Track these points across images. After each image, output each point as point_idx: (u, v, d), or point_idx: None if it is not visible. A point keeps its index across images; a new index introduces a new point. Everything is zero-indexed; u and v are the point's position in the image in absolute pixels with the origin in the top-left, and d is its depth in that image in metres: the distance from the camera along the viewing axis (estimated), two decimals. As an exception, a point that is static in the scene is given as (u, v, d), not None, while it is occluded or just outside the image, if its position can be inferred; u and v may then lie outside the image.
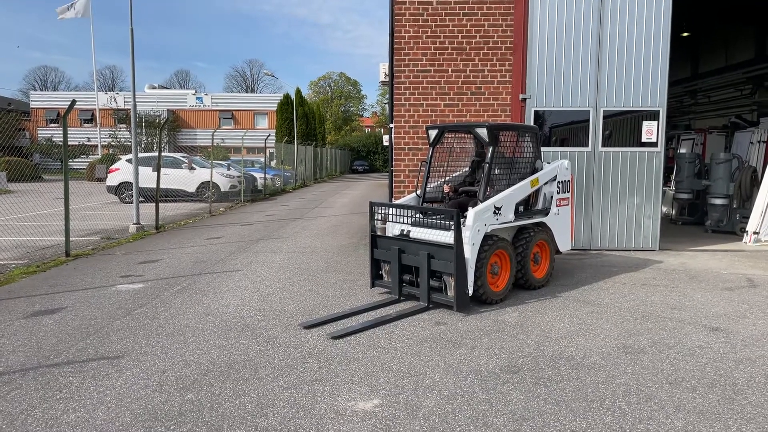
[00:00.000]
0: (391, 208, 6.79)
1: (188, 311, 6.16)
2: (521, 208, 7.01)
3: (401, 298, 6.53)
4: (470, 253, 6.01)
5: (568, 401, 3.97)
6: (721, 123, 20.59)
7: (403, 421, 3.67)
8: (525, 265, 6.82)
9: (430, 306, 6.21)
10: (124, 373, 4.45)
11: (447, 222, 6.13)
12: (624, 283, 7.45)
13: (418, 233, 6.48)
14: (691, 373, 4.46)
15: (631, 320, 5.84)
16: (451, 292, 6.02)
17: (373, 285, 6.90)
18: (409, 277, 6.51)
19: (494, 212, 6.31)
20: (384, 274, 6.86)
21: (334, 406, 3.90)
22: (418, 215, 6.72)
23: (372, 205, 6.85)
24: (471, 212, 6.11)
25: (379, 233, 6.81)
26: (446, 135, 7.41)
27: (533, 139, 7.36)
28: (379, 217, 6.84)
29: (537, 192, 7.31)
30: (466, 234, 6.00)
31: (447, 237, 6.04)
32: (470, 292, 6.04)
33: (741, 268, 8.40)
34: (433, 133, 7.32)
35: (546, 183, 7.30)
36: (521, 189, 6.82)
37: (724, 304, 6.44)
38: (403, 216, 6.64)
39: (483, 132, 6.69)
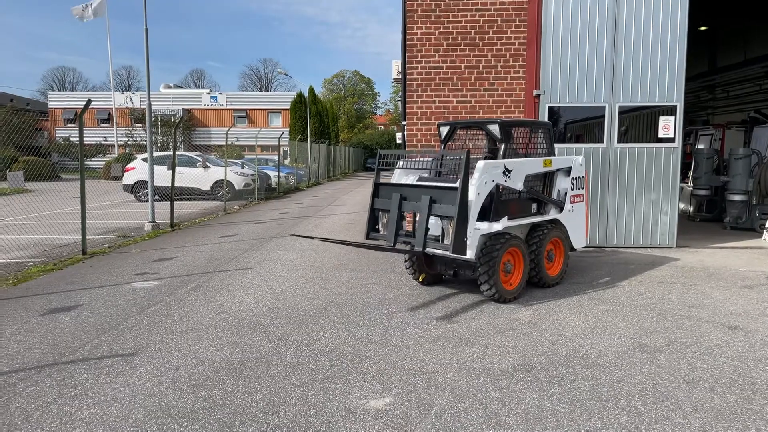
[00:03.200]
0: (400, 159, 6.82)
1: (202, 309, 6.19)
2: (534, 207, 6.95)
3: (395, 246, 6.54)
4: (473, 200, 5.94)
5: (582, 401, 3.91)
6: (739, 118, 20.25)
7: (415, 420, 3.65)
8: (539, 262, 6.75)
9: (426, 251, 6.15)
10: (138, 370, 4.48)
11: (453, 175, 6.20)
12: (640, 281, 7.35)
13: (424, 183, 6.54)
14: (708, 373, 4.38)
15: (648, 318, 5.75)
16: (448, 240, 5.95)
17: (368, 237, 6.88)
18: (407, 231, 6.53)
19: (504, 172, 6.22)
20: (381, 228, 6.80)
21: (346, 404, 3.89)
22: (425, 174, 6.74)
23: (380, 155, 6.89)
24: (481, 162, 6.06)
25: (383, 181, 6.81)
26: (458, 132, 7.35)
27: (546, 134, 7.28)
28: (386, 165, 6.85)
29: (551, 183, 7.21)
30: (472, 181, 5.95)
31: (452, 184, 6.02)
32: (468, 241, 5.95)
33: (760, 265, 8.24)
34: (444, 129, 7.28)
35: (559, 171, 7.20)
36: (533, 163, 6.75)
37: (743, 303, 6.32)
38: (414, 163, 6.67)
39: (495, 128, 6.63)
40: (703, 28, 19.86)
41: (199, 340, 5.17)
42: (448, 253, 5.99)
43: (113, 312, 6.08)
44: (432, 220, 6.18)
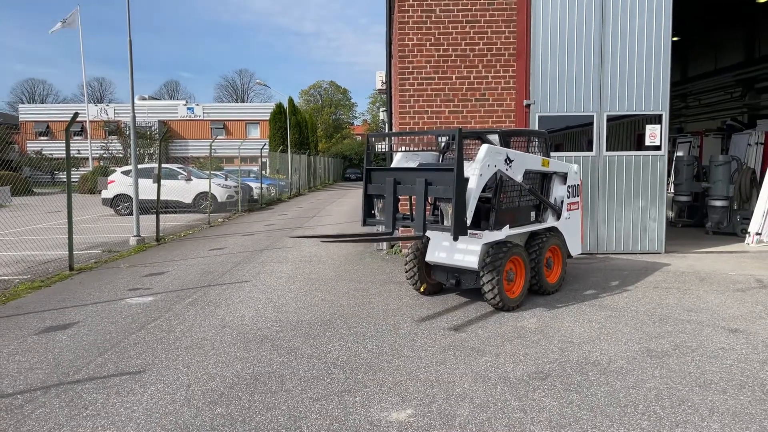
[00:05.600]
0: (388, 140, 6.80)
1: (203, 323, 6.08)
2: (533, 215, 7.02)
3: (394, 233, 6.54)
4: (476, 183, 5.92)
5: (602, 407, 3.95)
6: (712, 126, 20.85)
7: (441, 431, 3.63)
8: (539, 270, 6.82)
9: (425, 235, 6.11)
10: (148, 388, 4.37)
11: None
12: (636, 287, 7.47)
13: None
14: (718, 375, 4.47)
15: (650, 323, 5.84)
16: (447, 222, 5.92)
17: (365, 223, 6.81)
18: (404, 215, 6.54)
19: (506, 160, 6.23)
20: (376, 213, 6.73)
21: (368, 417, 3.85)
22: (424, 161, 6.75)
23: (369, 137, 6.86)
24: (485, 146, 6.07)
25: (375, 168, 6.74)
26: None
27: (543, 144, 7.39)
28: (379, 149, 6.82)
29: (548, 191, 7.29)
30: (475, 165, 5.96)
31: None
32: (469, 221, 5.90)
33: (748, 269, 8.46)
34: (442, 139, 7.32)
35: (556, 178, 7.30)
36: (533, 159, 6.79)
37: (739, 306, 6.47)
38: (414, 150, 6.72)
39: (495, 138, 6.70)
40: (674, 38, 20.48)
41: (206, 356, 5.07)
42: (448, 236, 5.96)
43: (112, 329, 5.93)
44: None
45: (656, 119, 9.68)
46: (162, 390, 4.33)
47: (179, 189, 19.12)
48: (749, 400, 4.02)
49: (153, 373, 4.67)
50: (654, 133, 9.64)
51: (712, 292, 7.13)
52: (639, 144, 10.51)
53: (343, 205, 23.06)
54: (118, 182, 18.91)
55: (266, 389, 4.32)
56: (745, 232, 11.08)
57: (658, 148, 9.71)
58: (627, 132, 11.54)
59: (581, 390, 4.23)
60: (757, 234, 10.38)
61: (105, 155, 36.12)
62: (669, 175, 14.16)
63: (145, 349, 5.29)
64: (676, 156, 13.97)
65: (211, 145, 17.79)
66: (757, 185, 11.70)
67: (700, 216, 13.22)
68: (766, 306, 6.43)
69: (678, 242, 10.91)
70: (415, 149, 6.94)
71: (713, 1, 16.31)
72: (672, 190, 13.83)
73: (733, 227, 11.88)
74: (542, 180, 7.23)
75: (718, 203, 12.08)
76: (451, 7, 9.42)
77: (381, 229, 6.73)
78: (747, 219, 11.21)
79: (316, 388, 4.34)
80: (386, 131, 12.32)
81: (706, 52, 21.75)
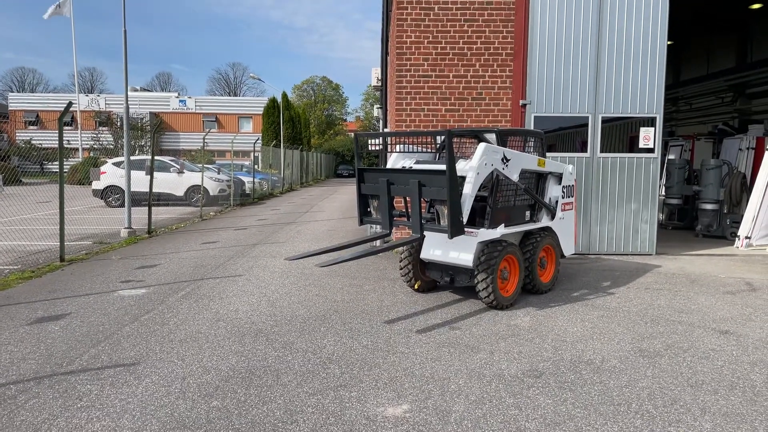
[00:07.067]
0: (378, 139, 6.75)
1: (197, 317, 6.06)
2: (527, 214, 7.06)
3: (391, 233, 6.56)
4: (472, 182, 5.94)
5: (595, 405, 3.99)
6: (702, 130, 21.06)
7: (436, 427, 3.66)
8: (532, 269, 6.85)
9: (423, 236, 6.14)
10: (143, 380, 4.36)
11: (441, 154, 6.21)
12: (628, 287, 7.53)
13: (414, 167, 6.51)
14: (710, 376, 4.53)
15: (642, 324, 5.90)
16: (444, 221, 5.94)
17: (361, 222, 6.81)
18: (400, 212, 6.54)
19: (503, 159, 6.25)
20: (372, 211, 6.73)
21: (364, 412, 3.86)
22: (422, 157, 6.77)
23: (356, 135, 6.85)
24: (482, 145, 6.08)
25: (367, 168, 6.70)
26: (453, 140, 7.41)
27: (539, 143, 7.43)
28: (372, 148, 6.81)
29: (543, 191, 7.33)
30: (472, 164, 5.98)
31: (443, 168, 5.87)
32: (465, 220, 5.89)
33: (738, 272, 8.56)
34: (439, 138, 7.32)
35: (551, 178, 7.34)
36: (529, 158, 6.81)
37: (729, 308, 6.55)
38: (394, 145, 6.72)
39: (492, 137, 6.72)
40: (668, 42, 20.64)
41: (201, 349, 5.06)
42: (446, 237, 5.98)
43: (104, 321, 5.89)
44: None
45: (650, 122, 9.76)
46: (157, 382, 4.32)
47: (171, 182, 19.01)
48: (740, 401, 4.08)
49: (147, 366, 4.65)
50: (648, 136, 9.72)
51: (702, 294, 7.22)
52: (631, 146, 10.57)
53: (335, 201, 23.03)
54: (110, 173, 18.78)
55: (262, 383, 4.32)
56: (734, 235, 11.20)
57: (651, 150, 9.79)
58: (620, 134, 11.63)
59: (575, 388, 4.27)
60: (747, 238, 10.50)
61: (95, 146, 35.80)
62: (660, 178, 14.28)
63: (139, 341, 5.27)
64: (668, 159, 14.09)
65: (204, 139, 17.68)
66: (747, 190, 11.83)
67: (690, 219, 13.34)
68: (755, 308, 6.51)
69: (668, 244, 11.01)
70: (412, 144, 6.93)
71: (707, 6, 16.44)
72: (663, 193, 13.95)
73: (722, 231, 12.00)
74: (538, 180, 7.27)
75: (709, 207, 12.19)
76: (449, 5, 9.43)
77: (378, 228, 6.71)
78: (737, 223, 11.32)
79: (311, 382, 4.34)
80: (380, 128, 12.27)
81: (698, 57, 21.94)
